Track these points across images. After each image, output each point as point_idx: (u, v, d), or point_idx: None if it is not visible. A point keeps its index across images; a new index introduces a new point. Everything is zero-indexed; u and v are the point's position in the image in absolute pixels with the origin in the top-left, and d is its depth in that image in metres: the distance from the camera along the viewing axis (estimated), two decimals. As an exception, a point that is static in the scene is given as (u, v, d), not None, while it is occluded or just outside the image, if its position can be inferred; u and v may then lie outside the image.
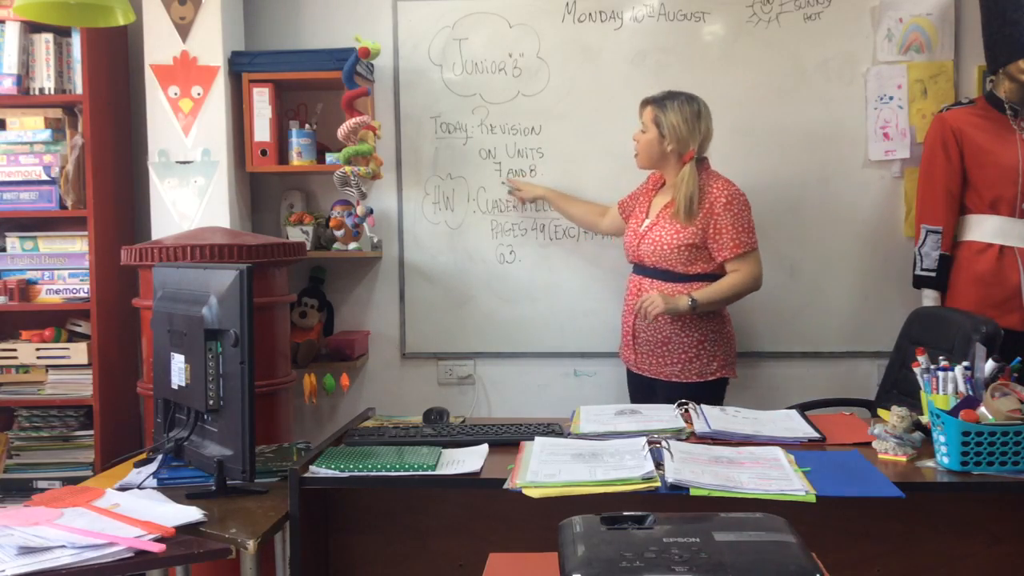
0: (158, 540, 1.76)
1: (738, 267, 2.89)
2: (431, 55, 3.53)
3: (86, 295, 3.28)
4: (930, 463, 2.03)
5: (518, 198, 3.48)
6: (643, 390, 3.04)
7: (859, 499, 1.91)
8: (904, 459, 2.07)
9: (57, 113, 3.29)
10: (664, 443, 2.10)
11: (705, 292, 2.87)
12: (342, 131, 3.22)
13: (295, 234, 3.43)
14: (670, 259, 2.90)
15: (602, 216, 3.33)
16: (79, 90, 3.24)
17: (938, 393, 2.09)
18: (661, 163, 2.97)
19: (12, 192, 3.26)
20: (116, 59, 3.46)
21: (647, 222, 3.01)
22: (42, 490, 2.57)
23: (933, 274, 3.17)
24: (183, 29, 3.29)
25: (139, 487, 2.11)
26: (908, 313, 3.08)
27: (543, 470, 1.96)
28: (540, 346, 3.57)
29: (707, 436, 2.24)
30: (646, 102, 2.97)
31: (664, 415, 2.42)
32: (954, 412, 1.97)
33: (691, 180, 2.87)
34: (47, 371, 3.26)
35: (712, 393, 2.94)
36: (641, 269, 3.01)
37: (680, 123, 2.88)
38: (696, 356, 2.92)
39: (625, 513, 1.28)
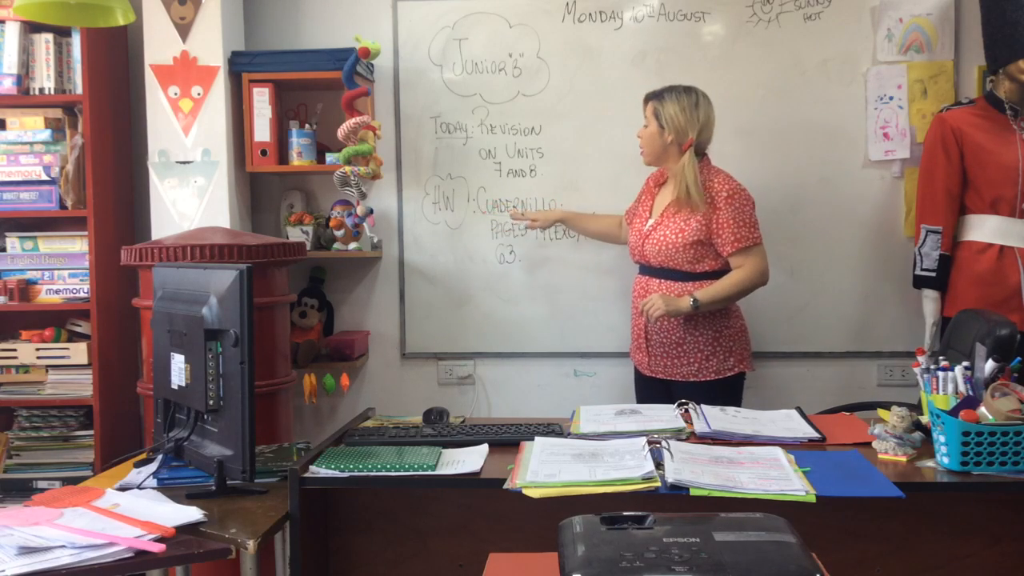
0: (158, 540, 1.76)
1: (741, 262, 2.86)
2: (431, 55, 3.53)
3: (86, 295, 3.28)
4: (930, 463, 2.03)
5: (534, 228, 3.42)
6: (656, 392, 2.96)
7: (859, 499, 1.91)
8: (904, 459, 2.07)
9: (57, 113, 3.29)
10: (664, 443, 2.09)
11: (708, 291, 2.85)
12: (342, 131, 3.22)
13: (295, 234, 3.43)
14: (676, 258, 2.89)
15: (620, 227, 3.30)
16: (79, 90, 3.24)
17: (938, 393, 2.09)
18: (664, 157, 2.96)
19: (12, 192, 3.26)
20: (116, 59, 3.46)
21: (651, 221, 2.99)
22: (42, 490, 2.56)
23: (933, 274, 3.17)
24: (183, 29, 3.29)
25: (139, 487, 2.11)
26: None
27: (543, 470, 1.96)
28: (540, 346, 3.56)
29: (707, 436, 2.24)
30: (647, 98, 2.98)
31: (664, 415, 2.42)
32: (954, 412, 1.97)
33: (690, 168, 2.85)
34: (47, 371, 3.26)
35: (731, 389, 2.93)
36: (647, 269, 2.99)
37: (677, 113, 2.88)
38: (712, 354, 2.90)
39: (625, 513, 1.28)
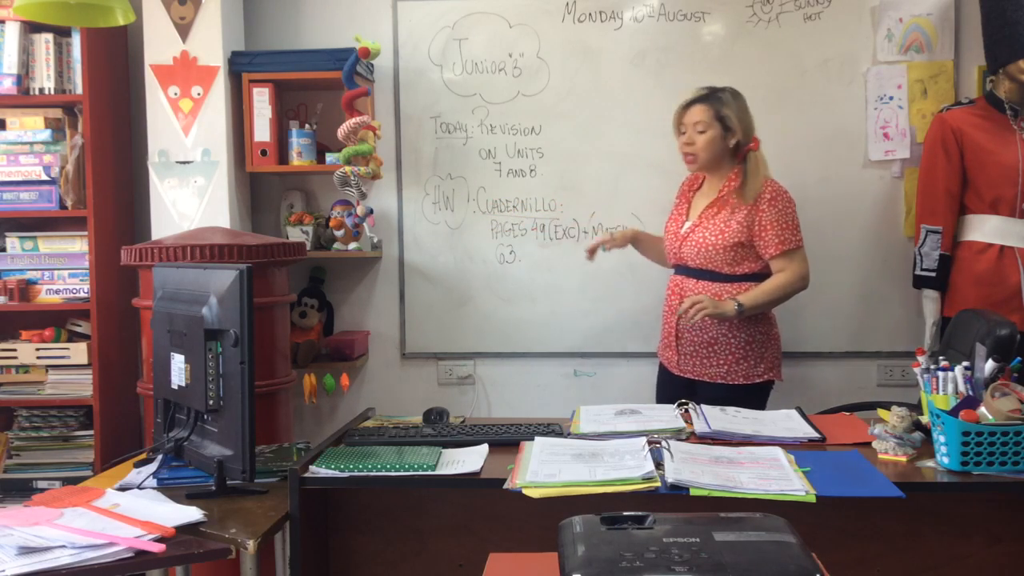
0: (158, 540, 1.76)
1: (784, 266, 2.81)
2: (431, 55, 3.53)
3: (86, 295, 3.28)
4: (930, 463, 2.03)
5: (611, 248, 3.11)
6: (681, 392, 2.86)
7: (859, 499, 1.91)
8: (904, 459, 2.07)
9: (57, 113, 3.29)
10: (664, 443, 2.09)
11: (752, 295, 2.80)
12: (342, 131, 3.22)
13: (295, 234, 3.43)
14: (715, 260, 2.84)
15: None
16: (79, 90, 3.25)
17: (938, 393, 2.09)
18: (721, 160, 2.88)
19: (12, 192, 3.26)
20: (116, 59, 3.46)
21: (688, 224, 2.93)
22: (42, 490, 2.56)
23: (933, 274, 3.17)
24: (183, 29, 3.29)
25: (139, 487, 2.11)
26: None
27: (543, 470, 1.96)
28: (540, 346, 3.57)
29: (707, 436, 2.24)
30: (692, 102, 2.87)
31: (664, 415, 2.42)
32: (954, 412, 1.97)
33: (764, 163, 2.86)
34: (47, 371, 3.26)
35: (757, 396, 2.88)
36: (684, 270, 2.94)
37: (741, 113, 2.87)
38: (743, 358, 2.85)
39: (625, 513, 1.28)
